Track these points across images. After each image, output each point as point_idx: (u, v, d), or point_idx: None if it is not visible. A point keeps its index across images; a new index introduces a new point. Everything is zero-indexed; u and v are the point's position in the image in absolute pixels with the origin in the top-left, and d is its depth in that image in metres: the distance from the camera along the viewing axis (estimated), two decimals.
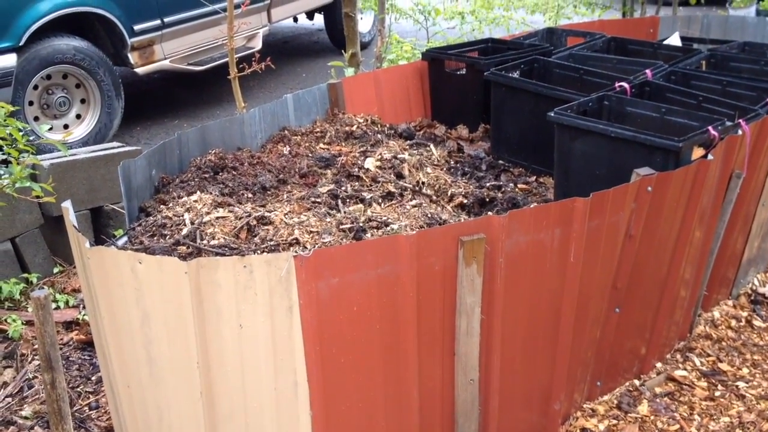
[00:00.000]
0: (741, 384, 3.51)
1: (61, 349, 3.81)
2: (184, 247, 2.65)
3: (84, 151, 4.58)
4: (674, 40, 4.95)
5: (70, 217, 2.62)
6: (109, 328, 2.57)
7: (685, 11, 8.99)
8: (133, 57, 6.58)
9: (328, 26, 9.54)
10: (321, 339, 2.47)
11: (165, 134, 6.98)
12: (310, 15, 9.58)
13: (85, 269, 2.55)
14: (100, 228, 4.50)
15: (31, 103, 5.94)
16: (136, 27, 6.50)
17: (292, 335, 2.44)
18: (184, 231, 2.73)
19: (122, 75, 7.03)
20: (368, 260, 2.47)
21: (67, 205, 2.67)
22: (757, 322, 3.97)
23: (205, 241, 2.69)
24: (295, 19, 9.71)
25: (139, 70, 6.70)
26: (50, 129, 6.05)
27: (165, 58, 6.90)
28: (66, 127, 6.17)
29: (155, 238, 2.74)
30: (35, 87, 5.92)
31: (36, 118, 6.01)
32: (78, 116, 6.24)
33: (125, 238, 2.85)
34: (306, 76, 8.65)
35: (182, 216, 2.83)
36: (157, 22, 6.67)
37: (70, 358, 3.73)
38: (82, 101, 6.25)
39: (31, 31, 5.69)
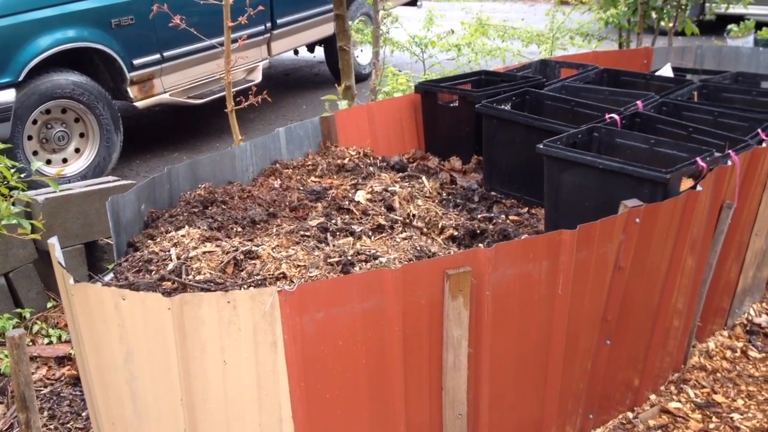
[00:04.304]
0: (736, 416, 3.47)
1: (52, 384, 3.80)
2: (170, 283, 2.66)
3: (79, 185, 4.60)
4: (666, 71, 4.97)
5: (57, 254, 2.62)
6: (94, 365, 2.56)
7: (682, 41, 9.03)
8: (132, 91, 6.62)
9: (328, 59, 9.60)
10: (306, 374, 2.46)
11: (164, 167, 6.99)
12: (310, 48, 9.64)
13: (70, 305, 2.55)
14: (95, 262, 4.50)
15: (30, 138, 5.97)
16: (136, 61, 6.54)
17: (277, 371, 2.43)
18: (170, 266, 2.73)
19: (122, 108, 7.07)
20: (353, 294, 2.47)
21: (53, 241, 2.67)
22: (753, 353, 3.94)
23: (190, 276, 2.70)
24: (296, 52, 9.78)
25: (139, 104, 6.73)
26: (49, 163, 6.08)
27: (165, 92, 6.94)
28: (65, 161, 6.20)
29: (141, 273, 2.75)
30: (34, 121, 5.96)
31: (35, 153, 6.05)
32: (77, 150, 6.27)
33: (112, 274, 2.85)
34: (306, 108, 8.69)
35: (169, 251, 2.83)
36: (157, 56, 6.72)
37: (61, 394, 3.72)
38: (81, 135, 6.28)
39: (31, 67, 5.74)
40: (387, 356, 2.58)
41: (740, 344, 4.01)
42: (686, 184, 3.26)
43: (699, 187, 3.16)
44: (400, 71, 6.81)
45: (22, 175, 3.29)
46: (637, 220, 2.95)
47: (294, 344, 2.41)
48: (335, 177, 3.90)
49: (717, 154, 3.31)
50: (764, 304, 4.37)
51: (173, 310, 2.34)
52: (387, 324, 2.54)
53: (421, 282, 2.56)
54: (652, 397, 3.56)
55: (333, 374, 2.52)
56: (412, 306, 2.57)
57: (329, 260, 2.90)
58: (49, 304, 4.34)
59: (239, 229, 3.21)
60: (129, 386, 2.52)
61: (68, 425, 3.50)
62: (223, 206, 3.40)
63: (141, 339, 2.43)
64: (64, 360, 3.97)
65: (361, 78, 8.75)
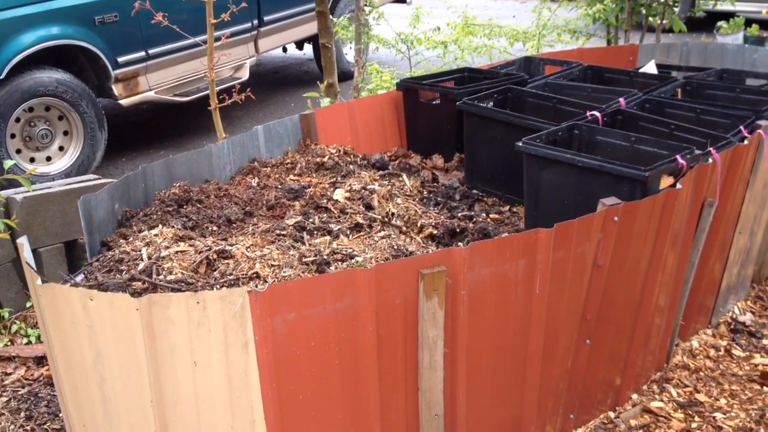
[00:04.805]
0: (718, 415, 3.45)
1: (30, 385, 3.76)
2: (140, 283, 2.62)
3: (58, 183, 4.56)
4: (650, 67, 4.94)
5: (25, 254, 2.59)
6: (63, 366, 2.53)
7: (672, 38, 9.01)
8: (117, 89, 6.57)
9: (317, 56, 9.54)
10: (278, 376, 2.43)
11: None
12: (299, 45, 9.60)
13: (39, 306, 2.52)
14: (75, 261, 4.46)
15: (13, 136, 5.92)
16: (120, 59, 6.49)
17: (248, 372, 2.40)
18: (140, 266, 2.70)
19: (108, 106, 7.02)
20: (326, 294, 2.44)
21: (22, 241, 2.64)
22: (737, 352, 3.92)
23: (161, 276, 2.66)
24: (285, 49, 9.74)
25: (124, 102, 6.68)
26: (33, 161, 6.04)
27: (150, 90, 6.88)
28: (49, 159, 6.16)
29: (111, 273, 2.71)
30: (17, 120, 5.91)
31: (18, 151, 6.00)
32: (61, 148, 6.23)
33: (83, 274, 2.81)
34: (295, 106, 8.65)
35: (140, 251, 2.80)
36: (142, 53, 6.67)
37: (39, 395, 3.68)
38: (65, 133, 6.23)
39: (13, 64, 5.69)
40: (361, 357, 2.55)
41: (724, 343, 3.99)
42: (667, 182, 3.24)
43: (678, 185, 3.14)
44: (388, 68, 6.78)
45: None
46: (616, 218, 2.92)
47: (265, 345, 2.38)
48: (314, 175, 3.86)
49: (697, 152, 3.29)
50: (749, 302, 4.35)
51: (141, 311, 2.31)
52: (360, 324, 2.51)
53: (395, 282, 2.53)
54: (634, 396, 3.54)
55: (306, 375, 2.49)
56: (386, 306, 2.54)
57: (304, 260, 2.86)
58: (29, 304, 4.29)
59: (214, 228, 3.18)
60: (99, 388, 2.48)
61: (45, 426, 3.46)
62: (199, 205, 3.36)
63: (110, 340, 2.40)
64: (42, 360, 3.93)
65: (350, 75, 8.71)
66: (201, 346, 2.36)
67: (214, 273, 2.75)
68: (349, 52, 9.50)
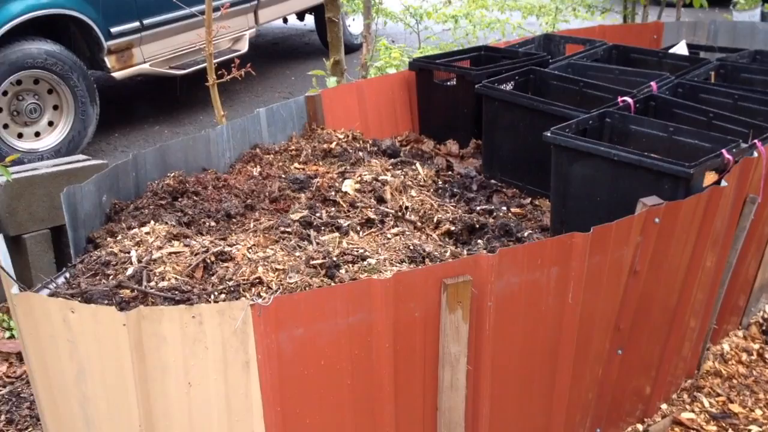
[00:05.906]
0: (754, 428, 3.20)
1: (12, 383, 3.50)
2: (128, 291, 2.33)
3: (45, 165, 4.26)
4: (681, 48, 4.64)
5: (0, 257, 2.31)
6: (41, 382, 2.26)
7: (686, 14, 8.67)
8: (110, 61, 6.25)
9: (318, 27, 9.23)
10: (282, 398, 2.18)
11: (144, 141, 6.67)
12: (300, 16, 9.27)
13: (15, 316, 2.24)
14: (63, 248, 4.17)
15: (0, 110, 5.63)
16: (113, 29, 6.17)
17: (250, 394, 2.15)
18: (129, 270, 2.41)
19: (100, 79, 6.71)
20: (338, 308, 2.18)
21: None
22: None
23: (152, 283, 2.37)
24: (285, 20, 9.40)
25: (117, 75, 6.37)
26: (20, 137, 5.75)
27: (144, 62, 6.58)
28: (37, 134, 5.86)
29: (97, 278, 2.42)
30: (4, 93, 5.61)
31: (5, 126, 5.70)
32: (50, 123, 5.92)
33: (63, 278, 2.52)
34: (295, 80, 8.35)
35: (129, 252, 2.51)
36: (136, 24, 6.35)
37: (22, 395, 3.41)
38: (55, 108, 5.93)
39: (0, 35, 5.38)
40: (375, 376, 2.29)
41: (756, 346, 3.73)
42: (708, 178, 2.95)
43: (724, 182, 2.85)
44: (393, 42, 6.46)
45: None
46: (657, 220, 2.64)
47: (269, 364, 2.12)
48: (321, 163, 3.57)
49: (743, 145, 3.00)
50: None
51: (129, 326, 2.04)
52: (376, 340, 2.25)
53: (415, 293, 2.27)
54: (664, 406, 3.29)
55: (314, 397, 2.23)
56: (405, 320, 2.28)
57: (312, 262, 2.58)
58: None
59: (212, 224, 2.89)
60: (81, 408, 2.22)
61: (27, 431, 3.20)
62: (195, 197, 3.06)
63: (93, 357, 2.13)
64: None
65: (353, 49, 8.38)
66: (197, 366, 2.11)
67: (212, 278, 2.46)
68: (352, 24, 9.16)
